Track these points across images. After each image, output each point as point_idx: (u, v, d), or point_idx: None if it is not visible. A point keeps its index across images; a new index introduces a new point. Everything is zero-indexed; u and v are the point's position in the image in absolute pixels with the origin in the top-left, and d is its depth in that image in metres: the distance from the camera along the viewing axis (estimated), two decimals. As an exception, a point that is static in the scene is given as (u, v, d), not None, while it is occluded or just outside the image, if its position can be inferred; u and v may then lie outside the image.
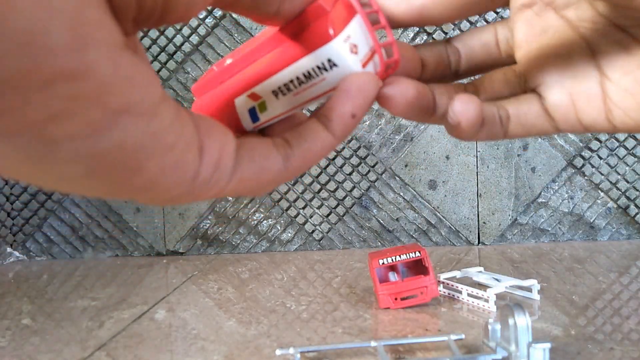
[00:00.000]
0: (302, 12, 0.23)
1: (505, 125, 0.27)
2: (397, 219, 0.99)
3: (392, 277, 0.65)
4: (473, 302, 0.65)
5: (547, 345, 0.43)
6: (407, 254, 0.63)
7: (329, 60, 0.23)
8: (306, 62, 0.23)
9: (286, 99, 0.24)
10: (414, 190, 0.98)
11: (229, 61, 0.26)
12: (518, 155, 0.97)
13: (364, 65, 0.23)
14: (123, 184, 0.17)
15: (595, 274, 0.76)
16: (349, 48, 0.23)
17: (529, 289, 0.66)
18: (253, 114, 0.25)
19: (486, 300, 0.64)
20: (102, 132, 0.15)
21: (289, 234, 1.01)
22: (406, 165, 0.98)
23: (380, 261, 0.64)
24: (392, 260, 0.63)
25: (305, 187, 1.00)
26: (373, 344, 0.52)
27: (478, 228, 0.98)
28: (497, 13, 0.95)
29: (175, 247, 1.03)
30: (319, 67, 0.23)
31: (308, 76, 0.23)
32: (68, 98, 0.14)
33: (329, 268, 0.86)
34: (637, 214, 0.96)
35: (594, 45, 0.25)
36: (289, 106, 0.25)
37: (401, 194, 0.99)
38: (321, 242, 1.01)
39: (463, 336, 0.53)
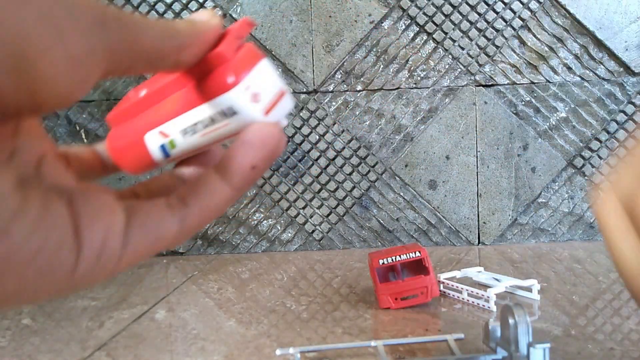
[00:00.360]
0: (204, 58, 0.23)
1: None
2: (397, 219, 0.99)
3: (392, 277, 0.65)
4: (473, 302, 0.65)
5: (547, 345, 0.43)
6: (407, 254, 0.63)
7: (229, 108, 0.23)
8: (208, 108, 0.23)
9: (194, 139, 0.24)
10: (414, 190, 0.98)
11: (143, 92, 0.26)
12: (518, 155, 0.97)
13: (267, 112, 0.23)
14: None
15: (595, 274, 0.76)
16: (249, 97, 0.22)
17: (529, 289, 0.66)
18: (164, 150, 0.25)
19: (486, 300, 0.64)
20: None
21: (289, 234, 1.01)
22: (406, 165, 0.98)
23: (380, 261, 0.64)
24: (392, 260, 0.63)
25: (305, 187, 1.00)
26: (373, 344, 0.52)
27: (478, 228, 0.98)
28: (497, 13, 0.95)
29: (175, 247, 1.03)
30: (220, 114, 0.23)
31: (211, 121, 0.23)
32: None
33: (329, 268, 0.86)
34: (637, 214, 0.96)
35: None
36: (198, 145, 0.25)
37: (401, 194, 0.99)
38: (321, 242, 1.01)
39: (463, 336, 0.53)
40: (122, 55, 0.19)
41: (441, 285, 0.70)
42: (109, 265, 0.20)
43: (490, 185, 0.97)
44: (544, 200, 0.97)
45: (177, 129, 0.25)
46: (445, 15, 0.96)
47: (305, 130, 0.99)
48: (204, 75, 0.23)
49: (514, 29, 0.95)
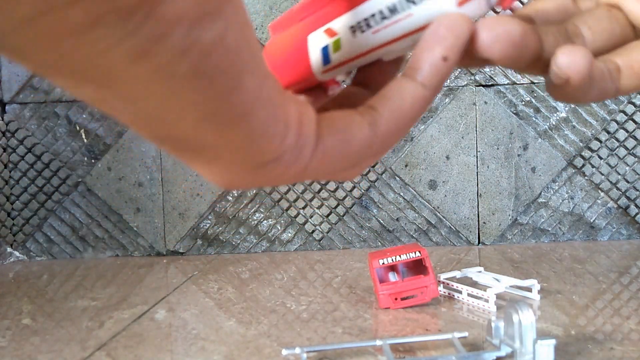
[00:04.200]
0: None
1: (617, 80, 0.23)
2: (397, 219, 0.99)
3: (392, 277, 0.65)
4: (473, 302, 0.65)
5: (553, 341, 0.43)
6: (407, 254, 0.63)
7: None
8: None
9: (363, 38, 0.22)
10: (414, 190, 0.98)
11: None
12: (518, 155, 0.97)
13: (460, 3, 0.20)
14: (223, 99, 0.16)
15: (595, 274, 0.76)
16: None
17: (529, 289, 0.66)
18: (325, 54, 0.23)
19: (486, 300, 0.64)
20: (209, 18, 0.14)
21: (289, 234, 1.01)
22: (406, 165, 0.98)
23: (380, 261, 0.63)
24: (392, 260, 0.63)
25: (305, 187, 1.00)
26: (378, 342, 0.52)
27: (478, 228, 0.98)
28: (497, 13, 0.95)
29: (175, 247, 1.03)
30: (405, 1, 0.20)
31: (393, 9, 0.21)
32: None
33: (329, 268, 0.86)
34: (637, 214, 0.96)
35: None
36: (364, 47, 0.22)
37: (401, 194, 0.99)
38: (321, 242, 1.01)
39: (467, 334, 0.53)
40: None
41: (441, 285, 0.70)
42: (306, 151, 0.19)
43: (490, 185, 0.97)
44: (544, 200, 0.97)
45: (346, 25, 0.22)
46: (445, 15, 0.96)
47: (305, 130, 0.99)
48: None
49: None
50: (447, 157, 0.98)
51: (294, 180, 0.20)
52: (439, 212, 0.98)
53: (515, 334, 0.46)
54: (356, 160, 0.21)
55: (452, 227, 0.98)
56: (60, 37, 0.13)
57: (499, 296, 0.66)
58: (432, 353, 0.52)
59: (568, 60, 0.21)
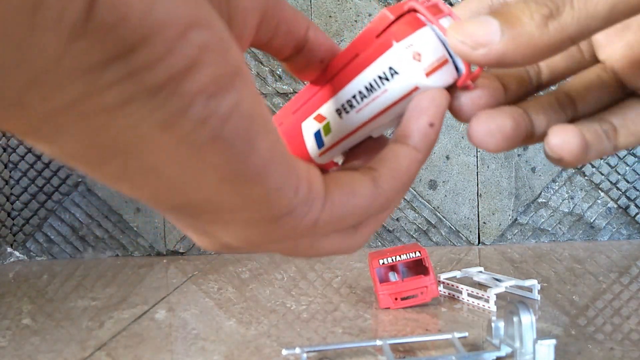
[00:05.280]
0: (370, 29, 0.23)
1: (613, 139, 0.24)
2: (397, 219, 0.99)
3: (392, 277, 0.65)
4: (473, 302, 0.65)
5: (553, 341, 0.44)
6: (407, 254, 0.63)
7: (390, 68, 0.23)
8: (368, 73, 0.23)
9: (349, 118, 0.24)
10: (414, 190, 0.98)
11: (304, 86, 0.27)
12: (518, 155, 0.97)
13: (428, 74, 0.22)
14: (240, 160, 0.17)
15: (595, 274, 0.76)
16: (410, 55, 0.22)
17: (529, 289, 0.66)
18: (318, 138, 0.25)
19: (486, 300, 0.64)
20: (225, 90, 0.16)
21: (289, 234, 1.01)
22: (406, 165, 0.98)
23: (380, 261, 0.64)
24: (392, 260, 0.63)
25: (306, 187, 1.00)
26: (378, 342, 0.52)
27: (478, 228, 0.98)
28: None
29: (175, 247, 1.03)
30: (380, 77, 0.23)
31: (370, 88, 0.23)
32: (200, 47, 0.15)
33: (329, 268, 0.86)
34: (637, 214, 0.96)
35: None
36: (352, 126, 0.24)
37: (401, 194, 0.99)
38: (321, 242, 1.01)
39: (467, 334, 0.53)
40: (272, 10, 0.22)
41: (441, 285, 0.70)
42: (316, 205, 0.20)
43: (490, 185, 0.97)
44: (544, 200, 0.97)
45: (332, 109, 0.24)
46: (445, 15, 0.96)
47: (305, 130, 0.99)
48: (363, 48, 0.23)
49: None
50: (447, 157, 0.98)
51: (305, 236, 0.21)
52: (439, 212, 0.98)
53: (515, 334, 0.46)
54: (363, 215, 0.22)
55: (452, 227, 0.98)
56: (93, 117, 0.15)
57: (499, 296, 0.66)
58: (432, 353, 0.52)
59: (560, 142, 0.22)
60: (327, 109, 0.25)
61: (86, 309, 0.72)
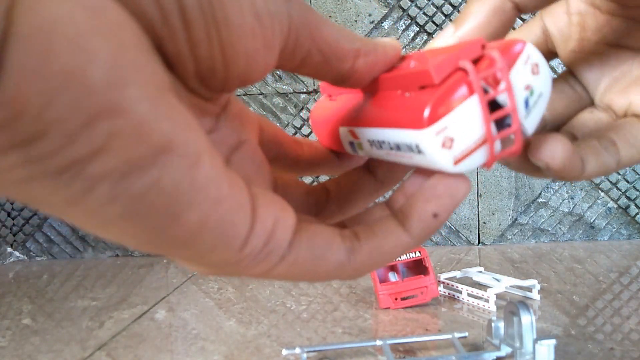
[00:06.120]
0: (410, 71, 0.21)
1: (614, 153, 0.24)
2: (397, 219, 0.99)
3: (392, 277, 0.65)
4: (473, 302, 0.65)
5: (553, 341, 0.44)
6: (407, 254, 0.63)
7: (417, 146, 0.20)
8: (395, 134, 0.21)
9: (379, 153, 0.23)
10: (414, 190, 0.98)
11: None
12: (518, 155, 0.97)
13: (457, 162, 0.20)
14: (161, 232, 0.17)
15: (595, 274, 0.76)
16: (440, 142, 0.19)
17: (529, 289, 0.66)
18: (352, 147, 0.25)
19: (486, 301, 0.64)
20: (139, 170, 0.15)
21: (289, 234, 1.01)
22: (406, 165, 0.98)
23: (381, 261, 0.63)
24: (392, 260, 0.63)
25: (306, 187, 1.00)
26: (378, 342, 0.52)
27: (478, 228, 0.98)
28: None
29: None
30: (407, 145, 0.21)
31: (397, 147, 0.21)
32: (108, 135, 0.14)
33: (329, 268, 0.86)
34: (637, 214, 0.96)
35: None
36: (380, 156, 0.23)
37: (401, 194, 0.99)
38: (321, 242, 1.01)
39: (467, 334, 0.53)
40: (302, 34, 0.19)
41: (441, 285, 0.70)
42: (272, 259, 0.19)
43: (490, 185, 0.97)
44: (544, 200, 0.97)
45: (365, 137, 0.23)
46: (446, 15, 0.96)
47: (306, 130, 0.99)
48: (400, 86, 0.21)
49: (514, 28, 0.95)
50: (447, 157, 0.98)
51: (262, 277, 0.20)
52: (439, 212, 0.98)
53: (515, 334, 0.46)
54: (324, 278, 0.21)
55: (452, 227, 0.98)
56: (10, 186, 0.15)
57: (499, 296, 0.66)
58: (432, 353, 0.52)
59: (544, 148, 0.23)
60: (361, 133, 0.23)
61: (86, 309, 0.72)
